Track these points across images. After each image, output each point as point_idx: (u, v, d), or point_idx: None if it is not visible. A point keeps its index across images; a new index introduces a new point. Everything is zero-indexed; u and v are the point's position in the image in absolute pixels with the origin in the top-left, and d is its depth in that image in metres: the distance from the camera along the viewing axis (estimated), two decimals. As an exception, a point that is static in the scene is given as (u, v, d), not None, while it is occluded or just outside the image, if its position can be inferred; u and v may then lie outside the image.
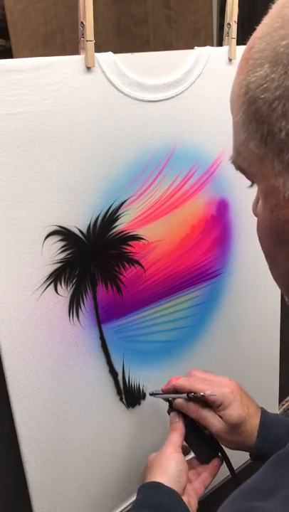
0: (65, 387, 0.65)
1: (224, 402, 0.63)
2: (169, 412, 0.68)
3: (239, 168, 0.39)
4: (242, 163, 0.38)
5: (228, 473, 0.69)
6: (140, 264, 0.69)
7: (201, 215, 0.74)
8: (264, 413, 0.66)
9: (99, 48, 0.57)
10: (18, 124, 0.53)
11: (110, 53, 0.59)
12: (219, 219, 0.77)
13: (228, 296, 0.83)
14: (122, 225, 0.66)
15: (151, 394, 0.72)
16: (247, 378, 0.92)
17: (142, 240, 0.69)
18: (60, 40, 0.67)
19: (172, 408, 0.67)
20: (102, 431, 0.71)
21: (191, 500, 0.62)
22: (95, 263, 0.64)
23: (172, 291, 0.74)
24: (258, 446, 0.63)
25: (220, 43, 0.72)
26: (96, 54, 0.57)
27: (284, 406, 1.17)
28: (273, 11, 0.34)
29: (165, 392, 0.68)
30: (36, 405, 0.62)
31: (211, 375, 0.67)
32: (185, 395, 0.65)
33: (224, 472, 0.90)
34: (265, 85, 0.32)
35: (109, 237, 0.65)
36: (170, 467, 0.61)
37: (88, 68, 0.57)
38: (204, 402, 0.64)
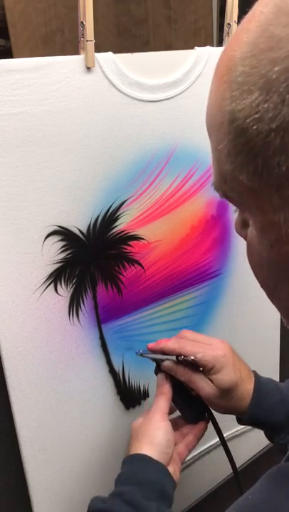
0: (65, 387, 0.65)
1: (216, 365, 0.61)
2: (156, 373, 0.65)
3: (226, 196, 0.36)
4: (229, 193, 0.35)
5: (228, 473, 0.69)
6: (140, 264, 0.69)
7: (201, 215, 0.75)
8: (258, 378, 0.64)
9: (99, 48, 0.57)
10: (18, 124, 0.53)
11: (110, 53, 0.59)
12: (219, 219, 0.77)
13: (228, 296, 0.83)
14: (122, 225, 0.66)
15: (139, 353, 0.68)
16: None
17: (142, 240, 0.69)
18: (60, 40, 0.67)
19: (160, 369, 0.64)
20: (102, 431, 0.71)
21: (175, 466, 0.60)
22: (95, 263, 0.64)
23: (172, 291, 0.74)
24: (251, 412, 0.62)
25: (220, 43, 0.72)
26: (96, 54, 0.57)
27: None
28: (254, 26, 0.29)
29: (153, 352, 0.65)
30: (36, 405, 0.62)
31: (202, 336, 0.65)
32: (174, 357, 0.62)
33: (224, 472, 0.90)
34: (256, 116, 0.29)
35: (109, 237, 0.65)
36: (158, 437, 0.58)
37: (88, 68, 0.57)
38: (194, 365, 0.61)
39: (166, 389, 0.64)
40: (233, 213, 0.38)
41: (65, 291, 0.62)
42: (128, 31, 0.75)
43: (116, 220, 0.65)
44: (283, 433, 0.64)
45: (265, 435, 0.67)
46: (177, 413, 0.68)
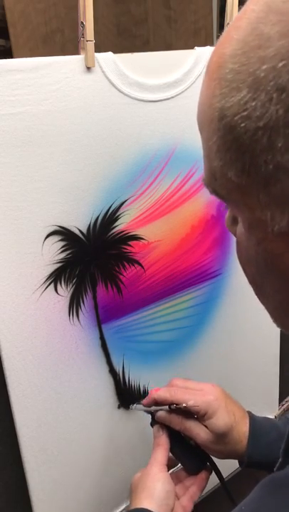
0: (65, 387, 0.65)
1: (208, 411, 0.60)
2: (152, 425, 0.65)
3: (215, 193, 0.36)
4: (218, 190, 0.35)
5: (226, 474, 0.68)
6: (140, 264, 0.69)
7: (201, 215, 0.74)
8: (252, 419, 0.63)
9: (99, 48, 0.57)
10: (18, 124, 0.53)
11: (110, 53, 0.59)
12: (219, 219, 0.77)
13: (228, 296, 0.83)
14: (122, 225, 0.66)
15: (132, 407, 0.69)
16: (247, 378, 0.93)
17: (142, 240, 0.69)
18: (60, 40, 0.67)
19: (155, 421, 0.64)
20: (102, 431, 0.71)
21: None
22: (95, 263, 0.64)
23: (172, 291, 0.74)
24: (249, 454, 0.61)
25: (220, 43, 0.72)
26: (96, 54, 0.57)
27: (284, 406, 1.17)
28: (244, 24, 0.29)
29: (146, 405, 0.65)
30: (36, 405, 0.62)
31: (192, 383, 0.64)
32: (167, 406, 0.61)
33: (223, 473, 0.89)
34: (244, 113, 0.29)
35: (109, 237, 0.65)
36: (156, 489, 0.57)
37: (88, 68, 0.57)
38: (188, 412, 0.61)
39: (163, 440, 0.63)
40: (224, 210, 0.39)
41: (65, 291, 0.62)
42: (128, 31, 0.75)
43: (116, 220, 0.65)
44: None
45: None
46: (179, 466, 0.67)
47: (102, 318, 0.67)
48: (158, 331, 0.74)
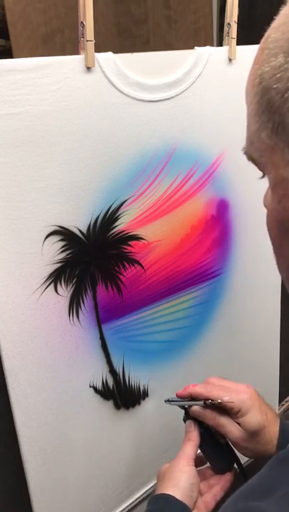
0: (65, 387, 0.65)
1: (242, 408, 0.61)
2: (184, 420, 0.65)
3: (250, 158, 0.39)
4: (253, 153, 0.38)
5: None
6: (140, 264, 0.69)
7: (201, 215, 0.74)
8: (282, 421, 0.64)
9: (99, 48, 0.57)
10: (18, 124, 0.53)
11: (110, 53, 0.59)
12: (219, 219, 0.77)
13: (228, 296, 0.83)
14: (122, 225, 0.66)
15: (167, 401, 0.69)
16: (247, 378, 0.92)
17: (142, 240, 0.69)
18: (60, 40, 0.67)
19: (188, 416, 0.65)
20: (102, 431, 0.71)
21: None
22: (95, 263, 0.64)
23: (172, 291, 0.74)
24: None
25: (220, 43, 0.72)
26: (96, 54, 0.57)
27: (284, 406, 1.17)
28: None
29: (181, 398, 0.66)
30: (36, 405, 0.62)
31: (228, 382, 0.66)
32: (202, 402, 0.62)
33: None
34: (278, 75, 0.32)
35: (109, 237, 0.65)
36: (182, 480, 0.59)
37: (88, 68, 0.57)
38: (222, 409, 0.62)
39: (194, 436, 0.64)
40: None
41: (65, 291, 0.62)
42: (128, 31, 0.75)
43: (116, 220, 0.65)
44: None
45: None
46: (206, 465, 0.67)
47: (102, 318, 0.67)
48: (158, 331, 0.74)
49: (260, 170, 0.39)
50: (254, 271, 0.86)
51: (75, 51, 0.57)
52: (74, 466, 0.69)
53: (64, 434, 0.66)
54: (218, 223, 0.77)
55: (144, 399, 0.75)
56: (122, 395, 0.72)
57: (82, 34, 0.55)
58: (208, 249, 0.77)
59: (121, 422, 0.73)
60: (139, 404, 0.75)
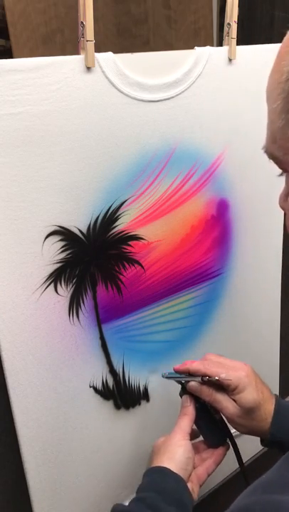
0: (65, 387, 0.65)
1: (239, 385, 0.63)
2: (181, 395, 0.67)
3: (272, 156, 0.39)
4: (276, 152, 0.38)
5: (232, 470, 0.69)
6: (140, 264, 0.69)
7: (201, 215, 0.74)
8: (278, 400, 0.66)
9: (99, 48, 0.57)
10: (18, 124, 0.53)
11: (110, 53, 0.59)
12: (219, 219, 0.77)
13: (228, 296, 0.83)
14: (122, 225, 0.66)
15: (164, 376, 0.70)
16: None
17: (142, 240, 0.69)
18: (60, 40, 0.67)
19: (185, 391, 0.67)
20: (102, 431, 0.71)
21: (194, 487, 0.62)
22: (95, 263, 0.64)
23: (172, 291, 0.74)
24: (272, 432, 0.63)
25: (220, 43, 0.72)
26: (96, 54, 0.57)
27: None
28: None
29: (179, 374, 0.67)
30: (36, 405, 0.62)
31: (225, 359, 0.67)
32: (199, 378, 0.64)
33: (228, 469, 0.90)
34: None
35: (109, 237, 0.65)
36: (178, 454, 0.61)
37: (88, 68, 0.57)
38: (218, 385, 0.64)
39: (190, 410, 0.65)
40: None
41: (65, 291, 0.62)
42: (128, 31, 0.75)
43: (116, 220, 0.65)
44: None
45: None
46: (199, 438, 0.69)
47: (102, 318, 0.67)
48: (158, 331, 0.74)
49: (281, 168, 0.39)
50: (254, 271, 0.86)
51: (75, 51, 0.57)
52: (74, 466, 0.69)
53: (64, 434, 0.66)
54: (218, 223, 0.77)
55: (144, 399, 0.75)
56: (122, 395, 0.72)
57: (82, 34, 0.55)
58: (208, 249, 0.77)
59: (121, 422, 0.73)
60: (139, 404, 0.75)
